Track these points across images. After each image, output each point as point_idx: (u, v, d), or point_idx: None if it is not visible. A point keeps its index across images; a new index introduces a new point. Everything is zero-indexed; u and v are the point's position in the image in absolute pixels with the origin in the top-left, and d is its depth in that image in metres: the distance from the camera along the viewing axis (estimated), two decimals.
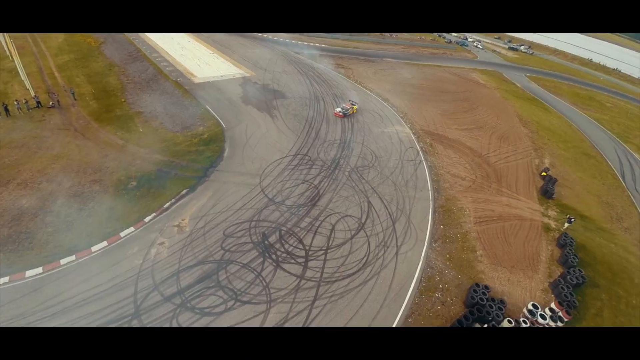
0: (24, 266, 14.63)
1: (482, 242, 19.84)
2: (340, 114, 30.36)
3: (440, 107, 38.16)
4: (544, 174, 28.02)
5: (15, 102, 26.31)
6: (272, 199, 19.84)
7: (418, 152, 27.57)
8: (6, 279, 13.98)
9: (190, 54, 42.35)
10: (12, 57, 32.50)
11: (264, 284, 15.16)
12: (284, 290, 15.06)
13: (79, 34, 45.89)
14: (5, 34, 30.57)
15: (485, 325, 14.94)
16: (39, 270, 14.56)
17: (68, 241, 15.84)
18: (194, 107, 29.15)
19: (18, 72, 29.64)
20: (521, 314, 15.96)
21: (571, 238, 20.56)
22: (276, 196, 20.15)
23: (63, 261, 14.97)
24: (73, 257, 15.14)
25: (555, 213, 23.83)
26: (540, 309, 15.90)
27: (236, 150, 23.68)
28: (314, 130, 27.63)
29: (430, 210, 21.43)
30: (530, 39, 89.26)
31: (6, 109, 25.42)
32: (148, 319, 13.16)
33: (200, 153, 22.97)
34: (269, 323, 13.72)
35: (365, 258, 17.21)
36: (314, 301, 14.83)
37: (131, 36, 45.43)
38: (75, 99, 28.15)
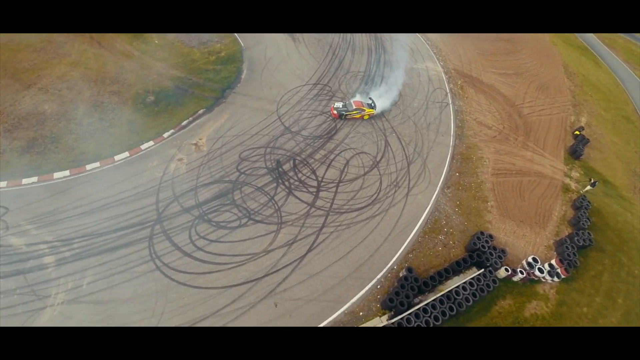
0: (51, 168, 15.59)
1: (495, 194, 19.72)
2: (336, 113, 20.25)
3: (480, 46, 34.22)
4: (577, 132, 26.21)
5: None
6: (289, 128, 19.56)
7: (446, 93, 25.73)
8: (35, 178, 15.05)
9: None
10: None
11: (276, 207, 15.92)
12: (295, 215, 15.86)
13: None
14: None
15: (482, 271, 15.70)
16: (67, 173, 15.53)
17: (92, 149, 16.49)
18: None
19: None
20: (519, 265, 16.65)
21: (588, 201, 20.15)
22: (292, 125, 19.81)
23: (88, 167, 15.83)
24: (98, 164, 15.95)
25: (578, 175, 22.97)
26: (539, 263, 16.47)
27: (254, 73, 22.56)
28: (337, 59, 25.65)
29: (449, 156, 20.91)
30: None
31: None
32: (169, 226, 14.37)
33: (217, 72, 22.03)
34: (278, 242, 14.81)
35: (375, 195, 17.55)
36: (321, 228, 15.69)
37: None
38: None
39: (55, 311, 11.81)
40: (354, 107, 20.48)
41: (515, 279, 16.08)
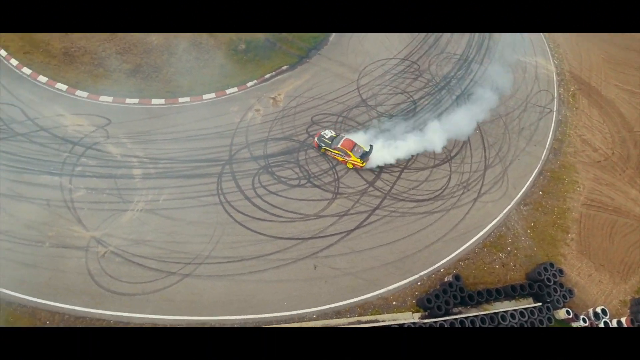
0: (151, 94, 17.69)
1: (580, 227, 17.29)
2: (317, 141, 16.49)
3: (608, 51, 28.46)
4: None
5: None
6: (365, 101, 19.14)
7: (553, 98, 22.37)
8: (136, 100, 17.27)
9: None
10: None
11: (336, 177, 16.15)
12: (352, 189, 15.96)
13: None
14: None
15: (539, 305, 14.31)
16: (162, 101, 17.54)
17: (186, 84, 18.22)
18: None
19: None
20: (584, 312, 14.80)
21: None
22: (370, 99, 19.31)
23: (180, 100, 17.64)
24: (188, 99, 17.66)
25: None
26: (607, 317, 14.43)
27: (342, 37, 22.06)
28: (433, 36, 23.67)
29: (536, 170, 18.61)
30: None
31: None
32: (237, 169, 15.63)
33: None
34: (330, 211, 15.18)
35: (440, 191, 16.68)
36: (375, 209, 15.61)
37: None
38: None
39: (134, 216, 13.99)
40: (339, 146, 15.96)
41: (574, 324, 14.42)
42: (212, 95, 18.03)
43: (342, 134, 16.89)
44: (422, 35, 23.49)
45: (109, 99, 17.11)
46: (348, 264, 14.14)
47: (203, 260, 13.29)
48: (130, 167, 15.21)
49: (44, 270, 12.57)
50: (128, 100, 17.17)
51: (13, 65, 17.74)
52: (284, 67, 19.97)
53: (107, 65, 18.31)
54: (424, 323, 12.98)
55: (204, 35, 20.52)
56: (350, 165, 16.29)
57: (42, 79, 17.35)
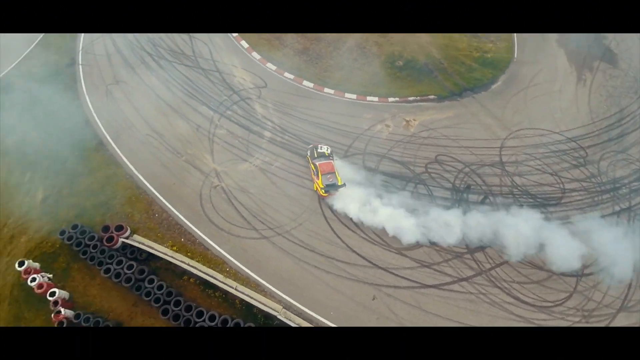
0: (305, 75, 19.77)
1: None
2: (311, 149, 15.93)
3: None
4: None
5: None
6: (503, 164, 17.29)
7: None
8: (292, 76, 19.55)
9: None
10: None
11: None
12: (447, 246, 14.68)
13: None
14: None
15: None
16: (311, 85, 19.40)
17: (336, 78, 19.76)
18: None
19: None
20: None
21: None
22: (510, 164, 17.34)
23: (326, 89, 19.22)
24: (332, 92, 19.11)
25: None
26: None
27: (508, 89, 20.37)
28: (620, 128, 19.70)
29: None
30: None
31: None
32: (343, 171, 16.14)
33: (470, 70, 21.16)
34: (414, 254, 14.26)
35: (550, 304, 13.88)
36: (462, 279, 13.99)
37: None
38: None
39: (250, 168, 15.98)
40: (317, 164, 14.85)
41: None
42: (354, 96, 19.05)
43: (333, 158, 15.68)
44: (608, 122, 19.84)
45: (273, 67, 19.87)
46: (407, 315, 13.12)
47: (282, 232, 14.35)
48: (263, 128, 17.41)
49: (172, 176, 15.62)
50: (286, 74, 19.62)
51: None
52: (431, 96, 19.65)
53: (284, 39, 21.28)
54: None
55: (371, 41, 21.83)
56: (315, 187, 15.10)
57: (233, 33, 21.30)
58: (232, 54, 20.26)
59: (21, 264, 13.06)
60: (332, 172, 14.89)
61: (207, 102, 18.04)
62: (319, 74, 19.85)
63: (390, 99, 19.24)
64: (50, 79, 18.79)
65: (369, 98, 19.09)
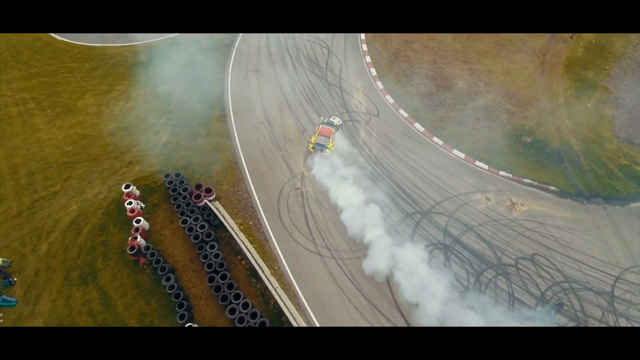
0: (418, 117, 19.58)
1: None
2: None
3: None
4: None
5: None
6: (613, 296, 14.03)
7: None
8: (406, 114, 19.53)
9: None
10: None
11: None
12: None
13: None
14: None
15: None
16: (421, 129, 19.18)
17: (450, 130, 19.11)
18: None
19: None
20: None
21: None
22: (620, 299, 14.01)
23: (435, 139, 18.73)
24: (440, 142, 18.54)
25: None
26: None
27: None
28: None
29: None
30: None
31: None
32: (425, 224, 15.28)
33: (611, 176, 17.99)
34: None
35: None
36: None
37: None
38: (571, 38, 27.03)
39: (332, 185, 16.42)
40: (319, 127, 17.75)
41: None
42: (462, 155, 18.08)
43: (336, 130, 17.83)
44: None
45: (391, 100, 20.29)
46: None
47: (337, 257, 14.48)
48: (360, 153, 17.82)
49: (266, 164, 17.36)
50: (401, 110, 19.80)
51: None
52: (552, 187, 17.34)
53: (412, 78, 21.60)
54: None
55: (502, 107, 20.56)
56: (310, 147, 17.42)
57: (367, 59, 22.53)
58: (358, 76, 21.43)
59: (127, 187, 15.67)
60: (328, 137, 17.27)
61: (320, 111, 19.37)
62: (434, 121, 19.48)
63: (502, 173, 17.64)
64: (209, 50, 22.67)
65: (477, 163, 17.87)
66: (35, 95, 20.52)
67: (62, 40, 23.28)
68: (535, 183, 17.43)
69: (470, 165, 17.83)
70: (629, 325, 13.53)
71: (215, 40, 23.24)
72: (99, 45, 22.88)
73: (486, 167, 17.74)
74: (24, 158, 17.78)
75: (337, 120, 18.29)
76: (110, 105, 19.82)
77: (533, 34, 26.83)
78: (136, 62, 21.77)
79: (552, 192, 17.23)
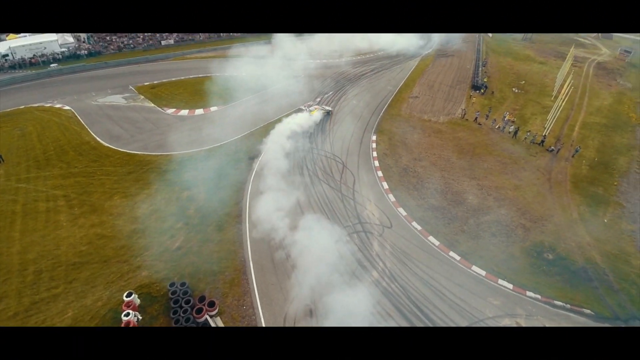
0: (434, 231, 19.67)
1: None
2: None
3: None
4: None
5: (527, 132, 31.96)
6: None
7: None
8: (419, 227, 19.68)
9: None
10: (555, 98, 38.38)
11: None
12: None
13: (626, 105, 44.47)
14: (567, 81, 35.70)
15: None
16: (437, 243, 19.11)
17: (468, 246, 18.92)
18: None
19: (549, 111, 34.84)
20: None
21: None
22: None
23: (451, 253, 18.39)
24: (458, 258, 18.13)
25: None
26: None
27: None
28: None
29: None
30: None
31: (516, 132, 31.71)
32: None
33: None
34: None
35: None
36: None
37: None
38: (572, 157, 29.17)
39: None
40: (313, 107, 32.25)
41: None
42: (482, 272, 17.36)
43: (322, 112, 31.76)
44: None
45: (404, 213, 20.93)
46: None
47: None
48: (373, 266, 17.37)
49: (275, 276, 16.72)
50: (414, 223, 20.20)
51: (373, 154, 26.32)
52: (586, 310, 15.82)
53: (423, 191, 22.80)
54: None
55: (515, 222, 20.72)
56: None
57: (379, 173, 24.30)
58: (370, 189, 22.76)
59: (129, 295, 15.16)
60: (318, 108, 31.65)
61: (338, 223, 19.88)
62: (449, 235, 19.49)
63: (529, 293, 16.49)
64: (235, 162, 25.17)
65: (500, 281, 16.94)
66: (68, 193, 22.21)
67: (107, 146, 26.53)
68: (568, 306, 16.03)
69: (493, 284, 16.87)
70: None
71: (243, 153, 26.04)
72: (139, 152, 25.90)
73: (510, 286, 16.71)
74: (38, 255, 18.05)
75: (326, 109, 32.56)
76: (134, 208, 21.04)
77: (535, 154, 29.05)
78: (168, 169, 24.12)
79: (588, 315, 15.60)
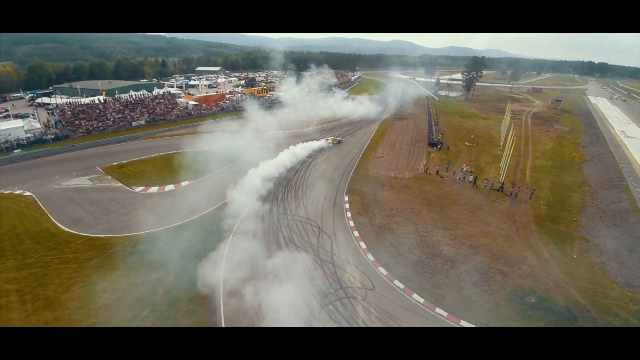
0: (415, 288, 19.32)
1: None
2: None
3: None
4: None
5: (485, 180, 34.44)
6: None
7: None
8: (402, 285, 19.31)
9: None
10: (503, 147, 42.56)
11: None
12: None
13: (567, 147, 50.11)
14: (509, 131, 40.29)
15: None
16: (421, 300, 18.58)
17: (451, 299, 18.56)
18: None
19: (501, 159, 38.29)
20: None
21: None
22: None
23: (437, 310, 17.86)
24: (445, 314, 17.54)
25: None
26: None
27: None
28: None
29: None
30: None
31: (475, 181, 34.07)
32: None
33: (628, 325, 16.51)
34: None
35: None
36: None
37: (620, 163, 41.84)
38: (530, 198, 31.40)
39: None
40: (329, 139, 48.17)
41: None
42: (472, 326, 16.75)
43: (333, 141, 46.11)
44: None
45: (384, 272, 20.61)
46: None
47: None
48: None
49: None
50: (396, 282, 19.78)
51: (348, 220, 26.61)
52: None
53: (400, 247, 22.88)
54: None
55: (494, 269, 20.99)
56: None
57: (355, 233, 24.40)
58: (349, 251, 22.53)
59: None
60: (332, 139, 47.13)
61: (315, 289, 19.00)
62: (432, 290, 19.17)
63: None
64: (208, 236, 24.20)
65: None
66: (21, 287, 19.82)
67: (68, 231, 24.76)
68: None
69: None
70: None
71: (215, 226, 25.26)
72: (102, 235, 24.35)
73: None
74: None
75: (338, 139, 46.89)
76: (95, 298, 19.01)
77: (496, 199, 30.94)
78: (135, 250, 22.64)
79: None
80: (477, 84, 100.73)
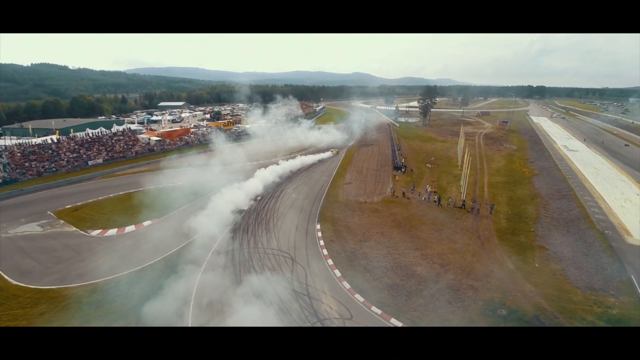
0: (392, 312, 19.23)
1: None
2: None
3: None
4: None
5: (448, 199, 36.22)
6: None
7: None
8: (379, 312, 19.14)
9: (636, 209, 34.68)
10: (461, 167, 45.46)
11: None
12: None
13: (517, 163, 54.59)
14: (465, 152, 43.45)
15: None
16: (399, 324, 18.44)
17: (427, 319, 18.60)
18: (613, 270, 23.29)
19: (461, 179, 40.72)
20: None
21: None
22: None
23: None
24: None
25: None
26: None
27: None
28: None
29: None
30: None
31: (439, 201, 35.71)
32: None
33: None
34: None
35: None
36: None
37: (566, 174, 46.13)
38: (490, 213, 33.33)
39: None
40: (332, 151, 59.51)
41: None
42: None
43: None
44: None
45: (361, 299, 20.35)
46: None
47: None
48: None
49: None
50: (373, 308, 19.58)
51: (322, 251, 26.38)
52: None
53: (375, 272, 22.92)
54: None
55: (464, 285, 21.52)
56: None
57: (329, 261, 24.15)
58: (324, 280, 22.12)
59: None
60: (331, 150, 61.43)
61: (290, 319, 18.22)
62: (409, 313, 19.16)
63: None
64: (173, 278, 22.59)
65: None
66: None
67: (16, 284, 22.04)
68: None
69: None
70: None
71: (180, 267, 23.75)
72: (54, 287, 21.91)
73: None
74: None
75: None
76: None
77: (460, 217, 32.41)
78: (90, 301, 20.53)
79: None
80: (432, 110, 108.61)
